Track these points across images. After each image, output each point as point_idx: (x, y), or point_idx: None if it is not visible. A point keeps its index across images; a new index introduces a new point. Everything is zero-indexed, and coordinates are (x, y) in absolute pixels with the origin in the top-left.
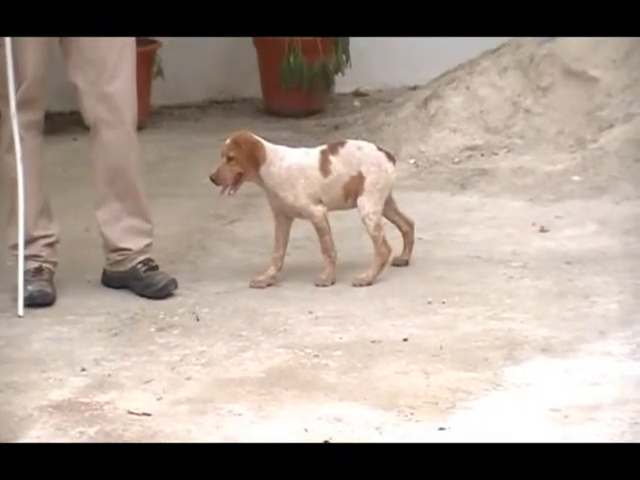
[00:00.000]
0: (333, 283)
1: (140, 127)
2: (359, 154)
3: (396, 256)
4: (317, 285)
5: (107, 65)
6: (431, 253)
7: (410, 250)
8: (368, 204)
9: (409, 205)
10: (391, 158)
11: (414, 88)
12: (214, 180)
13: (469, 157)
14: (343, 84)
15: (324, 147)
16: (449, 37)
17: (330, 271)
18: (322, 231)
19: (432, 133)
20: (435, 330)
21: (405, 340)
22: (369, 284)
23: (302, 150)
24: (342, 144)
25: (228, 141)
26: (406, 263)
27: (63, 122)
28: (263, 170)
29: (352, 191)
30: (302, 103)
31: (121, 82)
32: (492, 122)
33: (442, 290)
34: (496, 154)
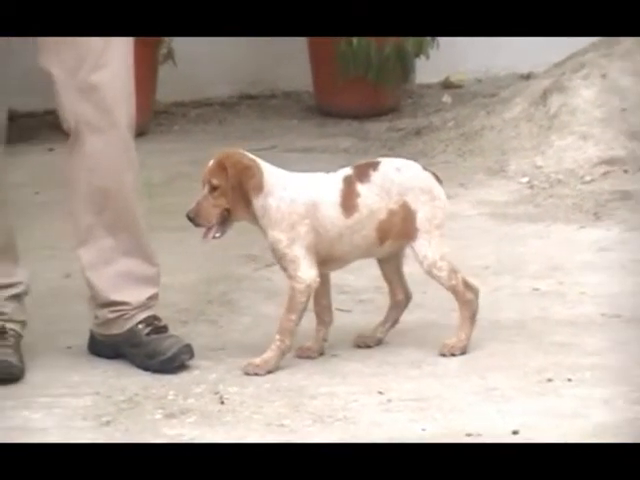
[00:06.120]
0: (266, 372)
1: (140, 133)
2: (400, 178)
3: (361, 333)
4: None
5: (92, 47)
6: (551, 310)
7: (390, 328)
8: (430, 249)
9: (519, 242)
10: (439, 180)
11: (527, 77)
12: (192, 219)
13: (605, 174)
14: (427, 72)
15: (348, 171)
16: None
17: (268, 357)
18: (295, 306)
19: (553, 141)
20: (557, 419)
21: (515, 433)
22: (463, 352)
23: (318, 176)
24: (374, 166)
25: (211, 163)
26: (378, 342)
27: (34, 126)
28: (259, 202)
29: (392, 232)
30: (369, 99)
31: (111, 70)
32: (638, 125)
33: (567, 362)
34: None
